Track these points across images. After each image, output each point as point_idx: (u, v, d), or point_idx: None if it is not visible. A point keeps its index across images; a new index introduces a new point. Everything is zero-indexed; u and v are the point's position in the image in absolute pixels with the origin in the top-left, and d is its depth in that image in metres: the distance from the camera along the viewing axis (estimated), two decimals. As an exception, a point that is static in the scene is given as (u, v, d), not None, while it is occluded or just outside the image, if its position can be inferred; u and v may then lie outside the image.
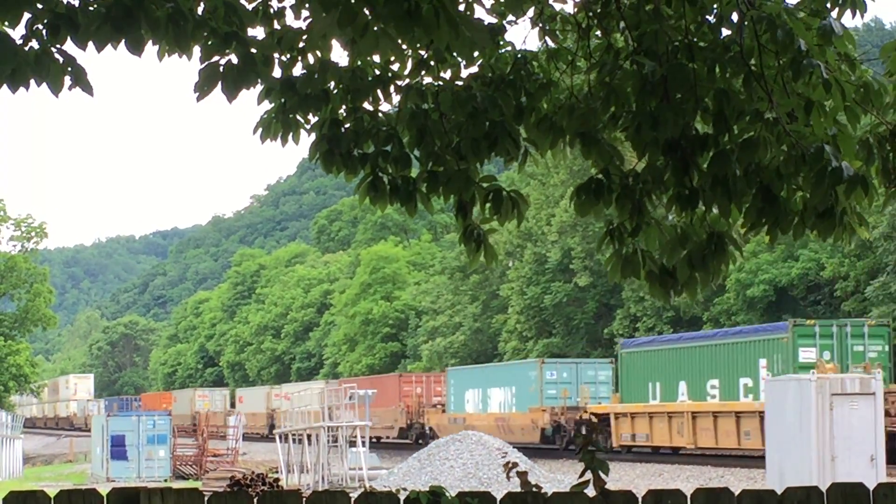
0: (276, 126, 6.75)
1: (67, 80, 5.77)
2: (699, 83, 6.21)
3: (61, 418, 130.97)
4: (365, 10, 5.46)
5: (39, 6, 5.64)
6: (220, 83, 5.97)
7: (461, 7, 6.04)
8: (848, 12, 6.48)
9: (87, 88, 5.80)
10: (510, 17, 6.75)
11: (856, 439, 29.78)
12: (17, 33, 5.71)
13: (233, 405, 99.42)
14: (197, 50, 5.93)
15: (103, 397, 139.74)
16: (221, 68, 5.96)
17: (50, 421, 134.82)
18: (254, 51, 6.00)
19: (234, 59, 5.95)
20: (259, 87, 6.45)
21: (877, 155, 6.55)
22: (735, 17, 6.29)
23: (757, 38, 6.12)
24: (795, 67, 6.03)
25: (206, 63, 5.96)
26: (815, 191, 6.17)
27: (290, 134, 6.78)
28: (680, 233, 6.57)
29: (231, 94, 5.98)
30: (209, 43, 5.89)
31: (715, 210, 6.42)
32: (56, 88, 5.76)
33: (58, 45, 5.69)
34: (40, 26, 5.65)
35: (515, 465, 7.02)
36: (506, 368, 62.89)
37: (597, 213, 6.66)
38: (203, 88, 5.99)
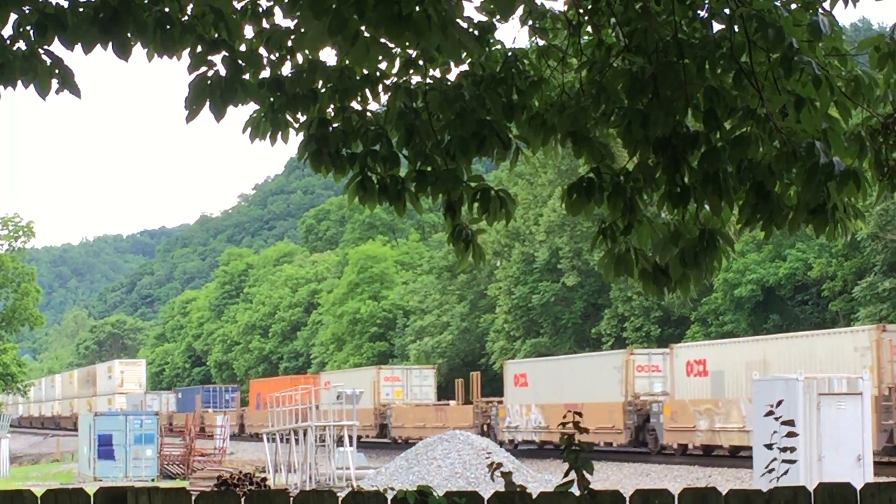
0: (265, 125, 6.73)
1: (55, 84, 5.77)
2: (689, 81, 6.20)
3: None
4: (355, 16, 5.44)
5: (26, 9, 5.62)
6: (208, 102, 5.97)
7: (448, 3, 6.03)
8: (840, 4, 6.48)
9: (75, 91, 5.80)
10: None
11: (843, 439, 29.84)
12: (3, 34, 5.70)
13: (456, 397, 66.00)
14: (185, 53, 5.93)
15: (173, 388, 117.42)
16: (209, 81, 5.94)
17: None
18: (242, 63, 6.00)
19: (221, 69, 5.94)
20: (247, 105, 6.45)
21: (869, 148, 6.57)
22: (726, 12, 6.29)
23: (747, 35, 6.12)
24: (786, 64, 6.03)
25: (196, 75, 5.95)
26: (806, 187, 6.17)
27: (280, 133, 6.77)
28: (672, 230, 6.58)
29: (218, 113, 5.98)
30: (197, 50, 5.89)
31: (706, 207, 6.43)
32: (43, 91, 5.77)
33: (45, 47, 5.68)
34: (28, 27, 5.64)
35: (500, 465, 7.02)
36: None
37: (588, 211, 6.66)
38: (192, 107, 5.99)
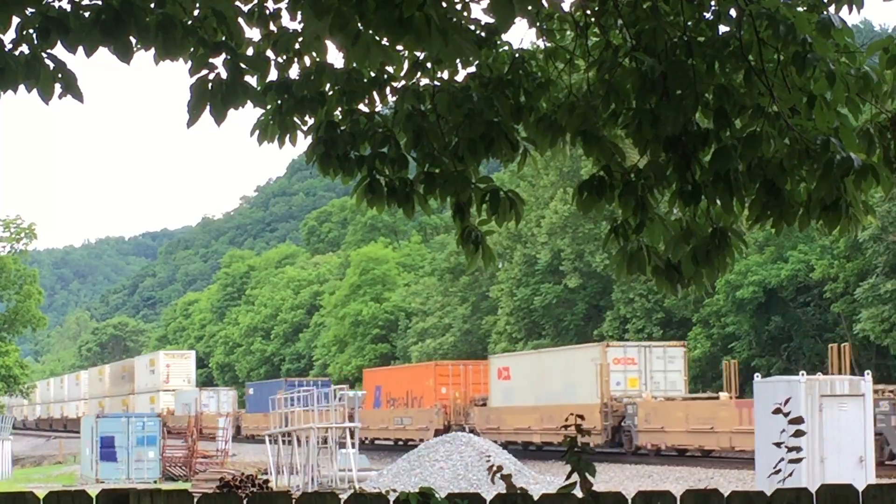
0: (273, 128, 6.75)
1: (58, 88, 5.75)
2: (699, 79, 6.21)
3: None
4: (356, 16, 5.46)
5: (30, 11, 5.63)
6: (209, 106, 5.97)
7: (457, 6, 6.05)
8: (845, 8, 6.50)
9: (78, 96, 5.78)
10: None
11: (845, 440, 29.83)
12: (6, 38, 5.69)
13: (726, 387, 45.93)
14: (186, 57, 5.94)
15: (248, 381, 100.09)
16: (210, 84, 5.95)
17: None
18: (243, 66, 6.02)
19: (222, 72, 5.96)
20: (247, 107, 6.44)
21: (878, 144, 6.58)
22: (733, 12, 6.30)
23: (756, 33, 6.13)
24: (799, 62, 6.03)
25: (197, 78, 5.95)
26: (821, 183, 6.18)
27: (287, 136, 6.79)
28: (684, 228, 6.61)
29: (219, 116, 5.98)
30: (199, 53, 5.90)
31: (718, 204, 6.45)
32: (46, 95, 5.73)
33: (48, 51, 5.68)
34: (31, 31, 5.64)
35: (500, 468, 7.03)
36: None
37: (598, 209, 6.69)
38: (194, 112, 5.99)
